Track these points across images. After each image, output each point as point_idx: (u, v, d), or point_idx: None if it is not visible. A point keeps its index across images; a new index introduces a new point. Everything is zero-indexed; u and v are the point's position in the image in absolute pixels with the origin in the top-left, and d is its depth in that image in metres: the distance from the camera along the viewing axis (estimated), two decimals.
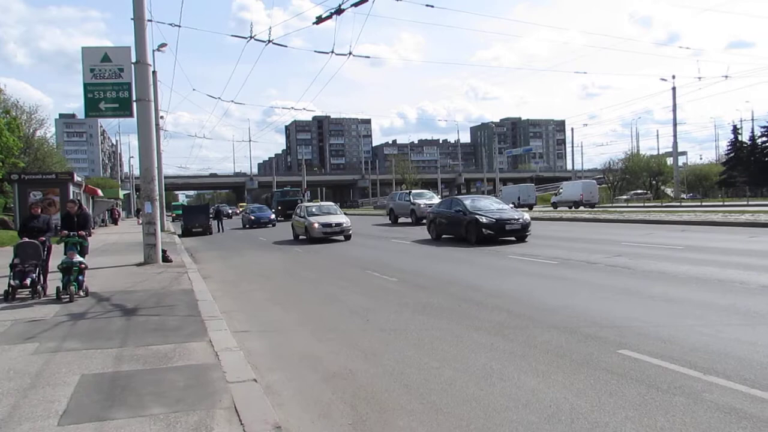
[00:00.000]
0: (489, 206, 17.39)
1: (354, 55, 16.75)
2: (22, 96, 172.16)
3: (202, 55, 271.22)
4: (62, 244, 9.52)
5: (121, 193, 63.26)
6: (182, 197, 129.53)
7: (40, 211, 10.01)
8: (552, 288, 8.68)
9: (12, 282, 8.76)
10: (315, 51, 52.37)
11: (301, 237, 21.83)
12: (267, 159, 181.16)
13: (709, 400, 3.87)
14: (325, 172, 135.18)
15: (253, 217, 35.76)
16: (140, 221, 22.76)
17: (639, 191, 63.81)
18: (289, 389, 4.70)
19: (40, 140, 45.09)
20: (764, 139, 62.55)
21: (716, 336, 5.40)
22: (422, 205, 27.27)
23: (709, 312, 6.47)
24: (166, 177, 45.41)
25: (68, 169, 37.27)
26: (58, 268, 8.88)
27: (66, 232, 9.54)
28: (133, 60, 14.43)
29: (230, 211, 63.96)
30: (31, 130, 43.17)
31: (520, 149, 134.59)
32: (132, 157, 73.59)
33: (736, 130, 66.36)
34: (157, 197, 15.05)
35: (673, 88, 52.09)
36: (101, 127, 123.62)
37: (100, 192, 41.87)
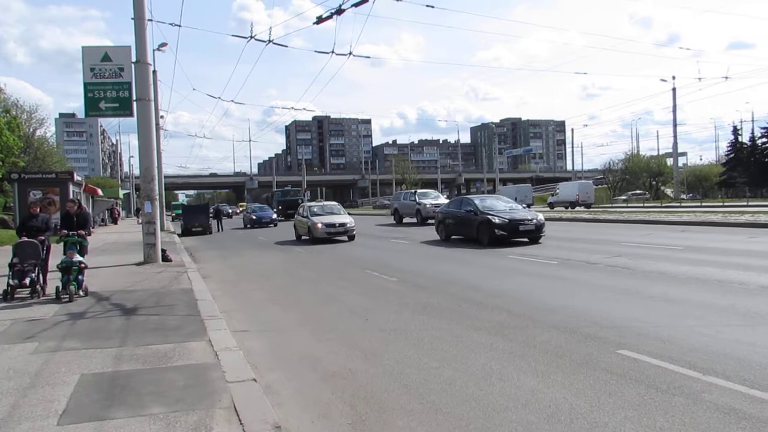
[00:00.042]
0: (501, 206, 16.80)
1: (354, 55, 16.76)
2: (22, 95, 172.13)
3: (203, 54, 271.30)
4: (61, 244, 9.51)
5: (121, 193, 63.30)
6: (182, 197, 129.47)
7: (38, 210, 9.99)
8: (552, 288, 8.68)
9: (11, 281, 8.74)
10: (315, 51, 52.44)
11: (303, 237, 21.50)
12: (267, 159, 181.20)
13: (709, 400, 3.87)
14: (325, 172, 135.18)
15: (254, 217, 35.34)
16: (140, 221, 22.78)
17: (637, 192, 63.83)
18: (288, 389, 4.70)
19: (40, 139, 45.11)
20: (764, 140, 62.58)
21: (716, 336, 5.40)
22: (428, 205, 26.96)
23: (708, 312, 6.48)
24: (165, 176, 45.39)
25: (68, 169, 37.31)
26: (58, 267, 8.88)
27: (65, 231, 9.52)
28: (134, 59, 14.43)
29: (230, 211, 63.94)
30: (31, 130, 43.20)
31: (520, 150, 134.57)
32: (132, 156, 73.66)
33: (736, 131, 66.45)
34: (157, 197, 15.05)
35: (673, 89, 52.09)
36: (101, 126, 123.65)
37: (99, 191, 41.88)
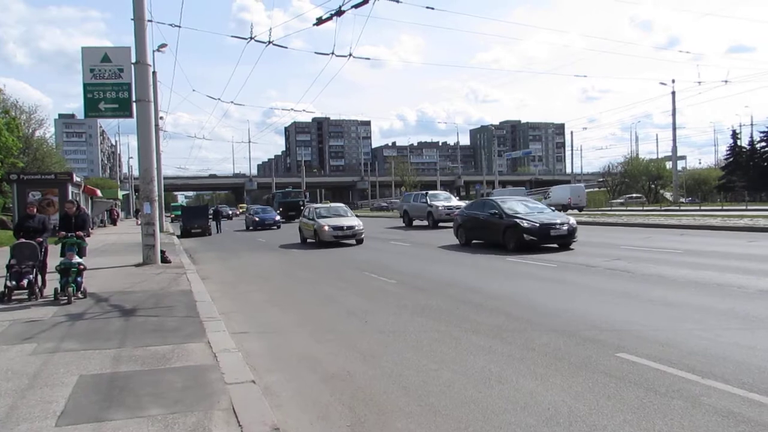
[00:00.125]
0: (526, 209, 15.56)
1: (354, 57, 16.73)
2: (22, 96, 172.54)
3: (202, 55, 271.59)
4: (59, 245, 9.47)
5: (120, 194, 63.18)
6: (181, 198, 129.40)
7: (35, 210, 9.97)
8: (551, 291, 8.68)
9: (8, 283, 8.69)
10: (315, 52, 52.31)
11: (309, 240, 20.54)
12: (266, 160, 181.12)
13: (708, 403, 3.87)
14: (325, 173, 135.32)
15: (257, 219, 34.11)
16: (139, 222, 22.75)
17: (634, 195, 63.85)
18: (287, 390, 4.70)
19: (39, 140, 45.06)
20: (763, 144, 62.60)
21: (715, 340, 5.40)
22: (440, 207, 25.79)
23: (707, 316, 6.48)
24: (165, 178, 45.31)
25: (67, 170, 37.25)
26: (57, 269, 8.84)
27: (64, 233, 9.48)
28: (133, 60, 14.44)
29: (231, 212, 63.89)
30: (31, 130, 43.15)
31: (519, 152, 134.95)
32: (131, 157, 73.75)
33: (735, 135, 66.45)
34: (156, 198, 15.05)
35: (673, 93, 52.17)
36: (100, 127, 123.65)
37: (99, 192, 41.85)
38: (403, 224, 29.42)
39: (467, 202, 25.68)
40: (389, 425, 3.86)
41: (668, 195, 63.87)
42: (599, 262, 11.39)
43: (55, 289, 8.69)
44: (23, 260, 8.86)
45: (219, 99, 48.90)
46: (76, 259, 9.00)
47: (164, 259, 14.31)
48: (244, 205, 78.21)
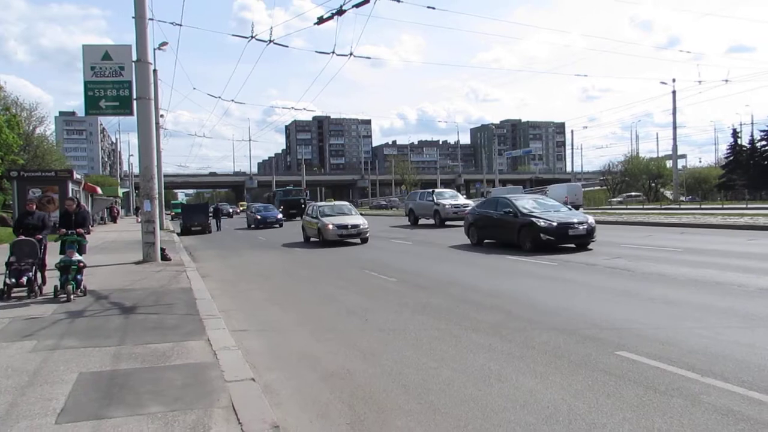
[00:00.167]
0: (542, 207, 15.05)
1: (355, 56, 16.69)
2: (22, 93, 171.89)
3: (203, 54, 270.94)
4: (59, 242, 9.47)
5: (121, 191, 63.23)
6: (181, 196, 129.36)
7: (35, 207, 9.97)
8: (551, 289, 8.68)
9: (8, 280, 8.69)
10: (316, 51, 52.28)
11: (312, 239, 20.14)
12: (267, 158, 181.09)
13: (707, 401, 3.87)
14: (325, 172, 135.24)
15: (259, 217, 33.38)
16: (139, 219, 22.75)
17: (633, 193, 63.83)
18: (287, 389, 4.70)
19: (39, 137, 45.08)
20: (764, 143, 62.57)
21: (715, 338, 5.40)
22: (447, 206, 25.47)
23: (707, 314, 6.48)
24: (165, 175, 45.31)
25: (68, 167, 37.35)
26: (56, 266, 8.83)
27: (64, 230, 9.48)
28: (134, 58, 14.44)
29: (231, 210, 63.87)
30: (31, 128, 43.19)
31: (519, 151, 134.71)
32: (131, 155, 73.67)
33: (735, 134, 66.42)
34: (157, 196, 15.05)
35: (673, 92, 52.07)
36: (101, 125, 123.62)
37: (99, 190, 41.84)
38: (408, 223, 29.17)
39: (475, 200, 25.10)
40: (389, 423, 3.86)
41: (668, 193, 63.85)
42: (599, 261, 11.39)
43: (55, 287, 8.69)
44: (23, 257, 8.86)
45: (219, 97, 48.96)
46: (76, 256, 9.00)
47: (164, 257, 14.32)
48: (245, 203, 78.18)
